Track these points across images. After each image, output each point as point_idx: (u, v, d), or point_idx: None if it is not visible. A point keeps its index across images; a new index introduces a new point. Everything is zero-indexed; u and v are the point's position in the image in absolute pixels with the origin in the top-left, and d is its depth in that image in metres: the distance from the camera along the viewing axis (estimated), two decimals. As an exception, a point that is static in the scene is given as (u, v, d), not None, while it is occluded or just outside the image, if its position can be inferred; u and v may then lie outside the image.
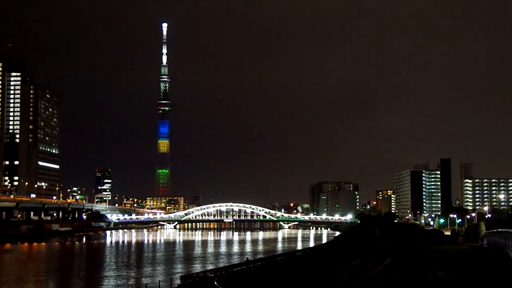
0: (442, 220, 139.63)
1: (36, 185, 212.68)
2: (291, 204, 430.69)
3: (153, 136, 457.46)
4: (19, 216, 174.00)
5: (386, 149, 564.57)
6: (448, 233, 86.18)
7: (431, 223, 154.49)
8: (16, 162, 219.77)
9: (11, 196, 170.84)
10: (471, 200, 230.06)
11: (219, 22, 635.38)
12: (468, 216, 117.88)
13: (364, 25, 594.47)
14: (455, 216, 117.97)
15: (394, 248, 55.64)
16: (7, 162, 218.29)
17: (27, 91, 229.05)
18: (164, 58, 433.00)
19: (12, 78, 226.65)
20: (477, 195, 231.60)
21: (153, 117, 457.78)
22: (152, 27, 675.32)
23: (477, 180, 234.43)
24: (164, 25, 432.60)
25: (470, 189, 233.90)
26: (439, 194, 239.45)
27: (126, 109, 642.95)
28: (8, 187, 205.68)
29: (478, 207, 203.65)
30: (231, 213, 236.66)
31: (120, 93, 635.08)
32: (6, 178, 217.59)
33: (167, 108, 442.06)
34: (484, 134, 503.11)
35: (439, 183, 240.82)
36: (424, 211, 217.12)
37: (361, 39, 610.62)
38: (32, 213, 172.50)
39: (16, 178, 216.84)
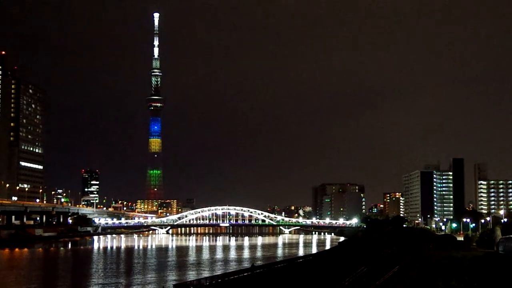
0: (454, 225, 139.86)
1: (18, 187, 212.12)
2: (292, 208, 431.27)
3: (144, 134, 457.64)
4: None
5: (394, 149, 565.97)
6: (461, 238, 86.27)
7: (443, 227, 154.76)
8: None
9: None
10: (485, 203, 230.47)
11: (216, 13, 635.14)
12: (483, 220, 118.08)
13: (366, 25, 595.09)
14: (468, 220, 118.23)
15: (403, 254, 55.64)
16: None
17: (8, 86, 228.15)
18: (156, 50, 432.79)
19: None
20: (492, 198, 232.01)
21: (143, 114, 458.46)
22: (142, 17, 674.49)
23: (492, 182, 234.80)
24: (156, 15, 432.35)
25: (485, 191, 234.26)
26: (451, 196, 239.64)
27: (115, 105, 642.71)
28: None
29: (493, 210, 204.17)
30: (227, 217, 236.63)
31: (108, 88, 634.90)
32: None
33: (159, 105, 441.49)
34: (499, 133, 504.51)
35: (451, 185, 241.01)
36: (435, 215, 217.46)
37: (366, 37, 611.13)
38: (13, 217, 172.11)
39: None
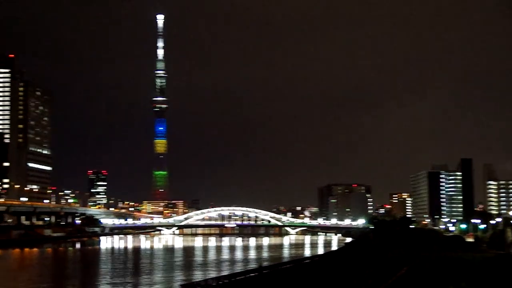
0: (463, 226, 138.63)
1: (27, 188, 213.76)
2: (298, 208, 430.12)
3: (149, 135, 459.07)
4: (9, 221, 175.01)
5: (401, 149, 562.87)
6: (470, 239, 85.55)
7: (451, 228, 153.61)
8: (6, 164, 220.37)
9: (1, 200, 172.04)
10: (495, 204, 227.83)
11: (220, 13, 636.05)
12: (493, 221, 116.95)
13: (373, 23, 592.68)
14: (478, 221, 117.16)
15: (411, 256, 55.28)
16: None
17: (17, 88, 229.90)
18: (161, 52, 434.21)
19: (0, 75, 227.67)
20: (502, 198, 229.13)
21: (149, 115, 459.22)
22: (147, 19, 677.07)
23: (502, 182, 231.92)
24: (160, 17, 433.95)
25: (495, 191, 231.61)
26: (460, 197, 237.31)
27: (121, 107, 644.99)
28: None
29: (503, 211, 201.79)
30: (233, 217, 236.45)
31: (114, 90, 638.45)
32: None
33: (164, 106, 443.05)
34: (509, 132, 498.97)
35: (459, 185, 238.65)
36: (444, 216, 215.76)
37: (371, 36, 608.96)
38: (23, 217, 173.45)
39: (6, 180, 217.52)
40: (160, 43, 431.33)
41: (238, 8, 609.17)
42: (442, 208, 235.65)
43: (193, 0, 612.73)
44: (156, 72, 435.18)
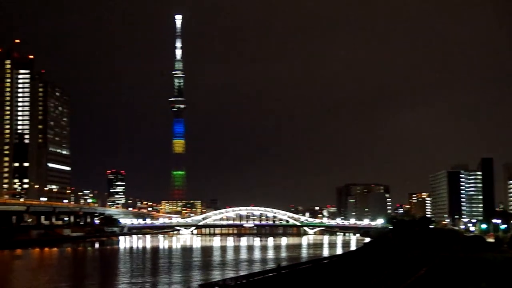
0: (484, 226, 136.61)
1: (46, 188, 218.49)
2: (316, 208, 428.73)
3: (167, 135, 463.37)
4: (29, 220, 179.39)
5: (420, 148, 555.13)
6: (491, 240, 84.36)
7: (472, 229, 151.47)
8: (26, 164, 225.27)
9: (21, 200, 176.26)
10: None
11: (239, 14, 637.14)
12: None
13: (393, 22, 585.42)
14: (498, 221, 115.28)
15: (430, 256, 54.96)
16: (16, 164, 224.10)
17: (36, 89, 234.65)
18: (179, 52, 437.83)
19: (20, 76, 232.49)
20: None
21: (167, 116, 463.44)
22: (166, 19, 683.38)
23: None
24: (178, 17, 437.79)
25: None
26: (480, 197, 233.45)
27: (139, 107, 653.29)
28: (18, 190, 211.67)
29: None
30: (251, 217, 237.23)
31: (132, 90, 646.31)
32: (16, 180, 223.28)
33: (182, 106, 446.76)
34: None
35: (480, 185, 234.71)
36: (464, 216, 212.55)
37: (391, 35, 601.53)
38: (43, 217, 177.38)
39: (26, 180, 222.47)
40: (179, 44, 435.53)
41: (261, 11, 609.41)
42: (462, 208, 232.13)
43: (194, 0, 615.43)
44: (174, 72, 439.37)
